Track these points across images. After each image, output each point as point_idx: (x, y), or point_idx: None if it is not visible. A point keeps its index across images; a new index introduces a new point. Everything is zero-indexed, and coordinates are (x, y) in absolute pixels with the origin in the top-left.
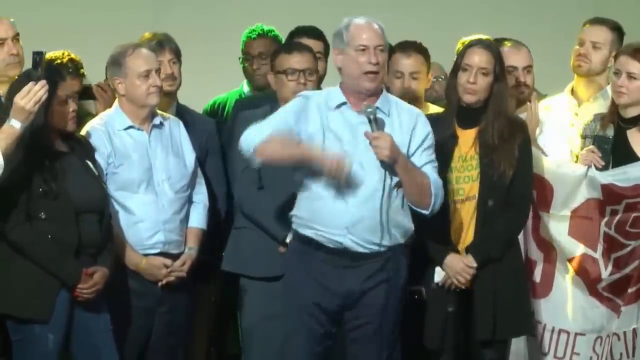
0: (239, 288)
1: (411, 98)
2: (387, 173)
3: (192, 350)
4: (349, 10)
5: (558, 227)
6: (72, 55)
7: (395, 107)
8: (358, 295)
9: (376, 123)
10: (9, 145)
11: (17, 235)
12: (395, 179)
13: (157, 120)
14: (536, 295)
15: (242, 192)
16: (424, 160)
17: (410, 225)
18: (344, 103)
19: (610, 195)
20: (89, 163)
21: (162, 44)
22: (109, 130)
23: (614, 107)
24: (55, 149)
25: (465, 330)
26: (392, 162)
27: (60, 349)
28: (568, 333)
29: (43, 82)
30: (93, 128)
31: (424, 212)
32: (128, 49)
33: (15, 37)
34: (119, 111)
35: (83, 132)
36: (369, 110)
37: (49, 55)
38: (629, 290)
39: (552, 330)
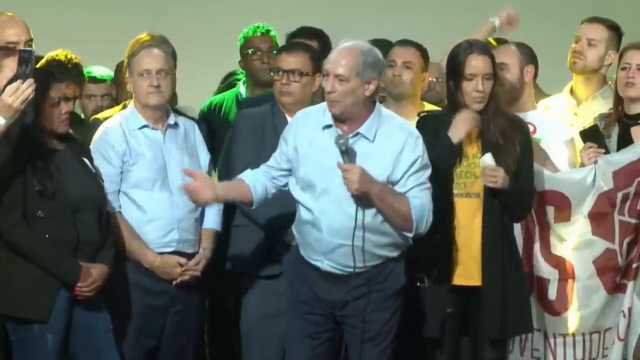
0: (239, 287)
1: (402, 90)
2: (359, 203)
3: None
4: (349, 10)
5: (582, 232)
6: (76, 60)
7: (385, 131)
8: (342, 305)
9: (347, 154)
10: None
11: (14, 236)
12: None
13: (171, 120)
14: (553, 312)
15: None
16: (410, 185)
17: (404, 239)
18: (330, 125)
19: (623, 179)
20: (86, 161)
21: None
22: (124, 129)
23: (618, 104)
24: (49, 147)
25: (463, 332)
26: (363, 194)
27: (60, 349)
28: (599, 332)
29: (31, 80)
30: (108, 127)
31: (407, 234)
32: (138, 49)
33: (29, 43)
34: (134, 111)
35: (99, 131)
36: (341, 141)
37: (50, 55)
38: (633, 266)
39: (583, 335)
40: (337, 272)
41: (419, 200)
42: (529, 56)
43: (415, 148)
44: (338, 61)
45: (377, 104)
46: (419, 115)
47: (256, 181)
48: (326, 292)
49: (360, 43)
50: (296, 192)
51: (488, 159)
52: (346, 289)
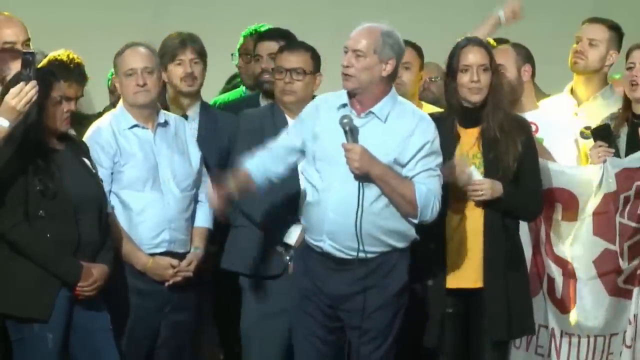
0: (239, 287)
1: (402, 91)
2: (362, 182)
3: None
4: (349, 10)
5: (583, 231)
6: (78, 60)
7: (398, 112)
8: (343, 299)
9: (351, 134)
10: None
11: (15, 235)
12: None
13: (161, 119)
14: (561, 309)
15: None
16: (419, 169)
17: (409, 227)
18: (344, 105)
19: (623, 182)
20: (86, 161)
21: (185, 42)
22: (114, 129)
23: (627, 105)
24: (50, 147)
25: (464, 332)
26: (364, 174)
27: (60, 349)
28: (604, 337)
29: (34, 82)
30: (99, 128)
31: (413, 220)
32: (122, 49)
33: (26, 42)
34: (123, 111)
35: (89, 131)
36: (345, 121)
37: (52, 55)
38: (638, 272)
39: (588, 338)
40: (339, 254)
41: (425, 186)
42: (525, 56)
43: (426, 132)
44: (358, 38)
45: (394, 89)
46: None
47: (256, 166)
48: (328, 284)
49: (382, 24)
50: (306, 171)
51: (472, 173)
52: (348, 279)
